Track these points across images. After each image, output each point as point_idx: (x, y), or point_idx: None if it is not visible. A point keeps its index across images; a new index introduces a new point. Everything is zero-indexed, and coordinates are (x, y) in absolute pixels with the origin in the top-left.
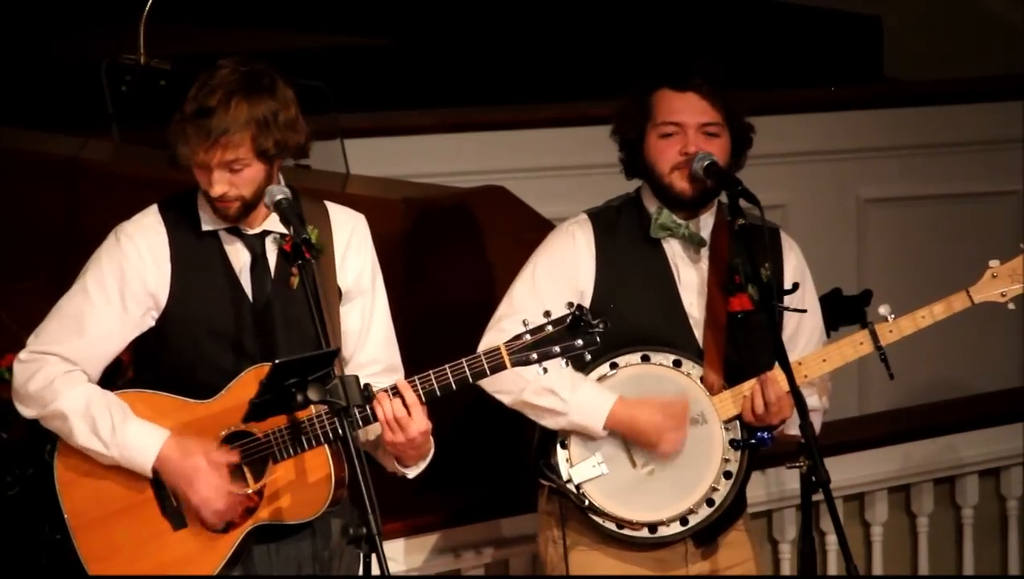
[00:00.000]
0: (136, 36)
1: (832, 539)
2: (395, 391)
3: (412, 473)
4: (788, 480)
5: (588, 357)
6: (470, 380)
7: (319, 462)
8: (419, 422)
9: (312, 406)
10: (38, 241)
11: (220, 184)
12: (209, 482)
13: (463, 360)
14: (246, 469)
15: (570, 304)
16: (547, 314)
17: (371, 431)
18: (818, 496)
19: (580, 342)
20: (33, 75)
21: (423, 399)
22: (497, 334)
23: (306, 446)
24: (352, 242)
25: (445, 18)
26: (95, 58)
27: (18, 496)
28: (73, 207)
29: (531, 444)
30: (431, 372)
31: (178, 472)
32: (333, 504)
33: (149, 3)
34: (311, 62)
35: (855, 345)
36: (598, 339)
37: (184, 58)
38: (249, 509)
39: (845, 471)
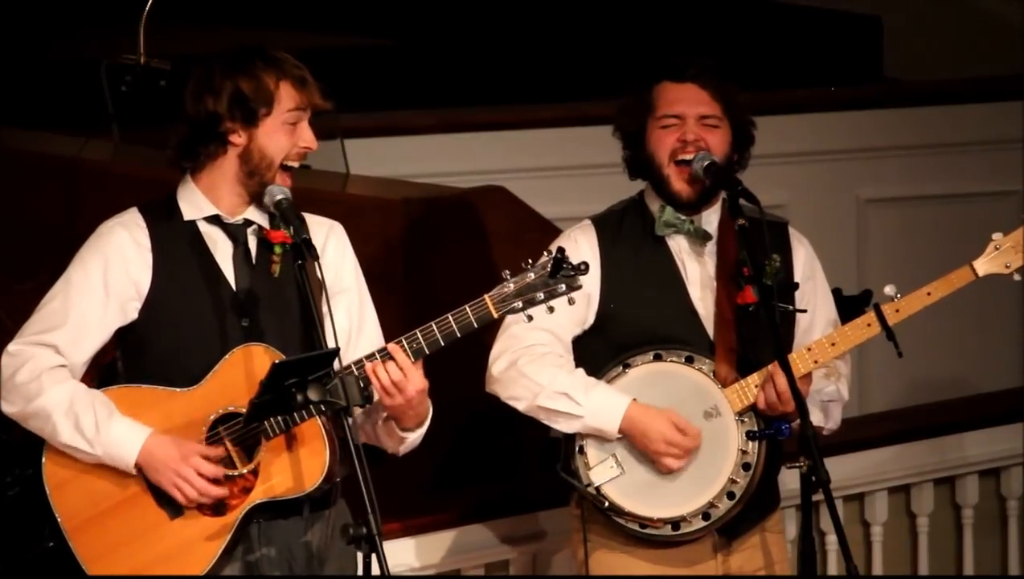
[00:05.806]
0: (136, 36)
1: (832, 539)
2: (385, 355)
3: (412, 437)
4: (788, 480)
5: (573, 302)
6: (457, 334)
7: (312, 434)
8: (415, 381)
9: None
10: (38, 241)
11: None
12: (194, 480)
13: (449, 314)
14: (238, 450)
15: (550, 250)
16: (528, 264)
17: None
18: (818, 496)
19: (563, 286)
20: (33, 75)
21: (413, 358)
22: (508, 340)
23: (298, 420)
24: (330, 240)
25: (445, 18)
26: (95, 58)
27: (18, 496)
28: (73, 207)
29: (552, 446)
30: (417, 330)
31: (161, 470)
32: (329, 477)
33: (149, 3)
34: (311, 62)
35: (863, 327)
36: (580, 281)
37: (184, 58)
38: (245, 488)
39: (845, 471)
